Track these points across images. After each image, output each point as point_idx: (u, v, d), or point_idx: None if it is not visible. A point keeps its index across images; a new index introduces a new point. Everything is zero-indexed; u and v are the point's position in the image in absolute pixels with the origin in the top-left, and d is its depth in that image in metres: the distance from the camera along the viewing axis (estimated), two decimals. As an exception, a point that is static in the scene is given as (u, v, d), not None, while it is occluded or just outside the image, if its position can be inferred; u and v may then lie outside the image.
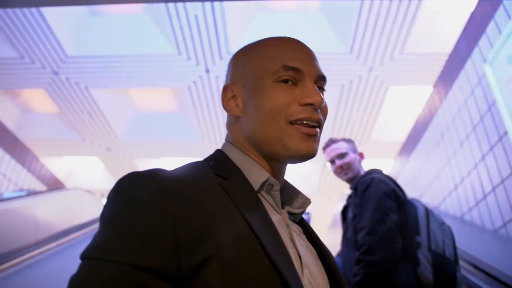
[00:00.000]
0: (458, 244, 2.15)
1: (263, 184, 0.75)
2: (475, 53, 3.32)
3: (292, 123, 0.74)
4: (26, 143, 7.05)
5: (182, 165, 0.75)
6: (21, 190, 5.63)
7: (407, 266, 1.93)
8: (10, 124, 6.97)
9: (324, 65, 0.82)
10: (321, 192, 9.95)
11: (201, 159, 0.81)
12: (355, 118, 7.51)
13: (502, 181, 2.93)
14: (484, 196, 3.21)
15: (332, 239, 4.27)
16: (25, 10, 5.41)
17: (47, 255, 3.04)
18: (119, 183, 0.66)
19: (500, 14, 2.91)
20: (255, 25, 6.20)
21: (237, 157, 0.79)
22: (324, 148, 2.39)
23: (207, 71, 6.62)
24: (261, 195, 0.76)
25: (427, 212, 2.14)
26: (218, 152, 0.82)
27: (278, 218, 0.75)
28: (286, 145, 0.74)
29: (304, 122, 0.74)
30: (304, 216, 0.86)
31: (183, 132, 8.29)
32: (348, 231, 2.19)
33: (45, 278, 2.78)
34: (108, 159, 9.32)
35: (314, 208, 10.00)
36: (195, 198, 0.64)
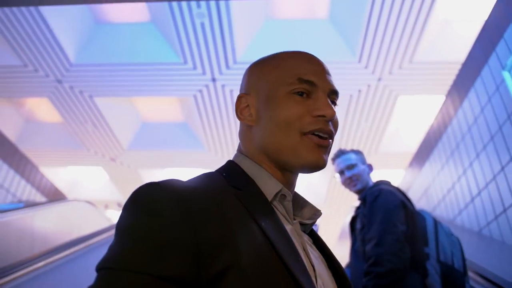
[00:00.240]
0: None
1: (276, 195, 0.76)
2: (492, 59, 3.20)
3: (304, 134, 0.76)
4: (30, 153, 7.00)
5: (195, 176, 0.76)
6: (19, 201, 5.51)
7: (416, 277, 1.93)
8: (13, 134, 6.93)
9: (332, 74, 0.84)
10: (328, 204, 9.85)
11: (207, 169, 0.81)
12: (364, 128, 7.46)
13: (525, 194, 2.78)
14: (504, 210, 3.08)
15: (341, 251, 4.14)
16: (28, 16, 5.36)
17: (42, 272, 2.89)
18: (137, 193, 0.65)
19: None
20: (262, 33, 6.14)
21: (249, 168, 0.80)
22: (334, 159, 2.41)
23: (213, 80, 6.54)
24: (274, 205, 0.77)
25: (436, 223, 2.15)
26: (231, 163, 0.83)
27: (290, 228, 0.76)
28: (297, 155, 0.75)
29: (316, 133, 0.76)
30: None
31: (188, 142, 8.26)
32: (356, 242, 2.21)
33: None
34: (112, 170, 9.32)
35: (322, 220, 9.88)
36: (213, 207, 0.65)
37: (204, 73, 6.43)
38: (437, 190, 4.57)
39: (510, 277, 2.37)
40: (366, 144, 7.87)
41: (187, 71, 6.41)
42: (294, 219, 0.80)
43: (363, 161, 2.38)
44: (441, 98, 4.69)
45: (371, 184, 2.31)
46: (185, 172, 9.15)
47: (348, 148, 2.43)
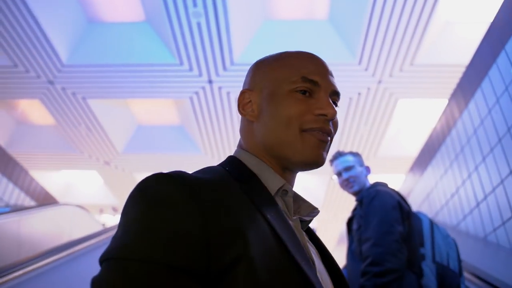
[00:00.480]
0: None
1: (278, 190, 0.78)
2: (501, 58, 3.09)
3: (305, 131, 0.77)
4: (22, 156, 6.89)
5: (200, 169, 0.77)
6: (6, 206, 5.34)
7: (411, 278, 1.95)
8: (3, 136, 6.75)
9: (332, 76, 0.82)
10: (326, 208, 9.80)
11: None
12: (363, 131, 7.42)
13: (536, 199, 2.67)
14: (513, 215, 2.95)
15: (340, 256, 4.05)
16: (18, 15, 5.21)
17: (30, 277, 2.78)
18: (144, 183, 0.65)
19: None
20: (260, 34, 6.05)
21: (251, 163, 0.81)
22: (331, 161, 2.45)
23: (210, 82, 6.42)
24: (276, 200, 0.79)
25: (431, 224, 2.19)
26: (233, 158, 0.84)
27: (291, 223, 0.77)
28: (297, 151, 0.77)
29: (316, 131, 0.77)
30: None
31: (184, 145, 8.20)
32: (353, 243, 2.24)
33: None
34: (106, 173, 9.24)
35: (320, 225, 9.83)
36: (222, 198, 0.66)
37: (200, 74, 6.32)
38: (440, 194, 4.47)
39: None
40: (365, 147, 7.83)
41: (183, 72, 6.30)
42: (294, 216, 0.82)
43: (361, 163, 2.42)
44: (442, 101, 4.61)
45: (368, 185, 2.35)
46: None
47: (347, 150, 2.44)
